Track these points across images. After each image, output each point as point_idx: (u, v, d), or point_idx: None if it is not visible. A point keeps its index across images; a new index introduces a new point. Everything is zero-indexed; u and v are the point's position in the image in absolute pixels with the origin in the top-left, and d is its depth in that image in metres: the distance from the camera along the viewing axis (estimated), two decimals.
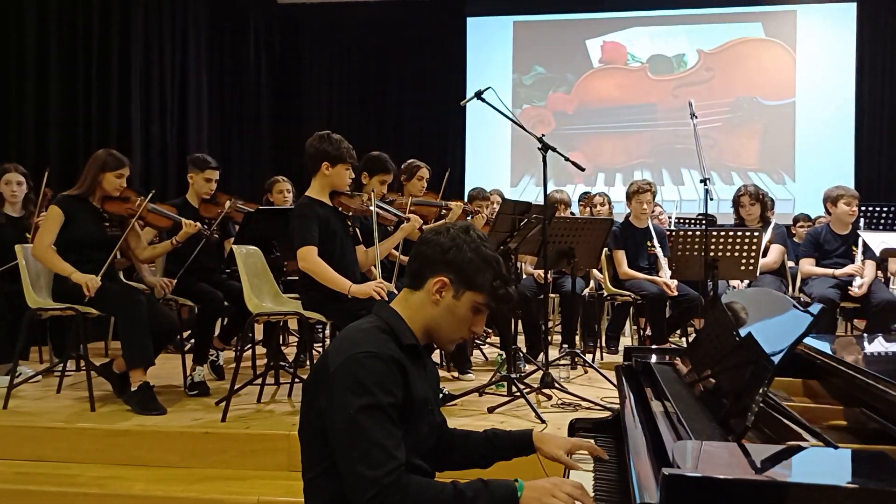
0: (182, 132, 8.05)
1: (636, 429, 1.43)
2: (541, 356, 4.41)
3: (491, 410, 3.76)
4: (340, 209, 3.79)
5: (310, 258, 3.55)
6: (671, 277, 4.97)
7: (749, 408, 1.25)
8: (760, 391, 1.26)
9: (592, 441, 1.90)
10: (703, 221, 5.33)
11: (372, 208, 3.82)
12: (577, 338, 5.50)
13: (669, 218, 7.07)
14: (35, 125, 6.28)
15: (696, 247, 4.60)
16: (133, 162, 7.09)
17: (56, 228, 3.86)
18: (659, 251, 5.22)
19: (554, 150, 4.04)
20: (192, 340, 4.75)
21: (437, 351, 5.14)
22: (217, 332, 4.76)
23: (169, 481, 3.24)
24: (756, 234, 4.57)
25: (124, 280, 4.68)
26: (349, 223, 3.88)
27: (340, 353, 1.64)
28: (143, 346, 3.76)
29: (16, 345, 4.07)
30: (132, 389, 3.76)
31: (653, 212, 6.19)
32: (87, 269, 3.83)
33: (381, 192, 4.19)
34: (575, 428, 2.22)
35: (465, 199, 5.51)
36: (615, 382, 2.25)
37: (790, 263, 5.47)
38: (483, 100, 4.22)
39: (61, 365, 4.40)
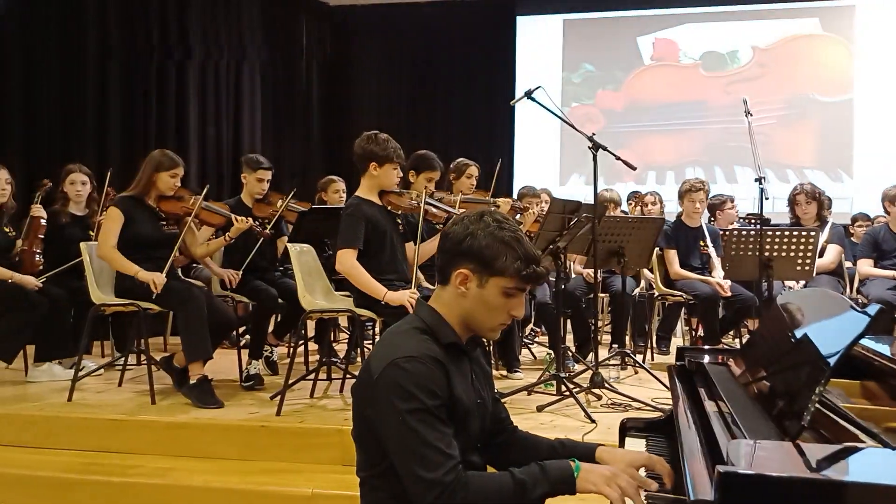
0: (236, 133, 8.23)
1: (690, 429, 1.43)
2: (590, 356, 4.41)
3: (540, 409, 3.78)
4: (389, 208, 3.84)
5: (347, 261, 3.61)
6: (724, 278, 4.91)
7: (805, 408, 1.25)
8: (816, 392, 1.25)
9: (642, 447, 1.88)
10: (758, 221, 5.24)
11: (421, 205, 3.86)
12: (628, 338, 5.47)
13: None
14: (96, 127, 6.50)
15: (751, 247, 4.53)
16: (189, 162, 7.29)
17: (117, 229, 4.00)
18: (712, 251, 5.16)
19: (605, 148, 4.02)
20: (248, 336, 4.87)
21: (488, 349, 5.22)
22: (271, 328, 4.87)
23: (227, 473, 3.32)
24: (812, 233, 4.48)
25: (183, 277, 4.83)
26: (399, 221, 3.92)
27: (381, 359, 1.65)
28: (202, 341, 3.87)
29: (80, 340, 4.22)
30: (191, 383, 3.87)
31: (723, 205, 6.12)
32: (147, 267, 3.96)
33: (430, 190, 4.23)
34: (626, 427, 2.22)
35: (515, 197, 5.51)
36: (666, 383, 2.25)
37: (847, 264, 5.35)
38: (533, 99, 4.22)
39: (123, 359, 4.57)
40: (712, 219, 6.39)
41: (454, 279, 1.71)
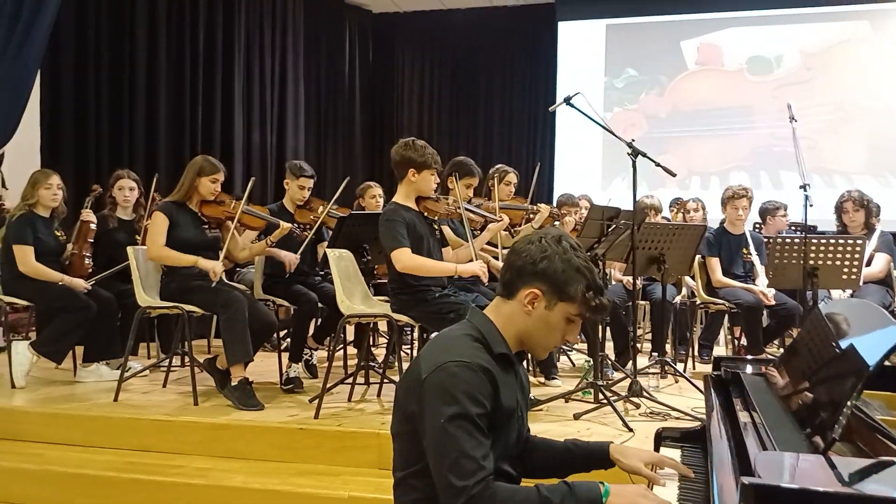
0: (281, 139, 8.37)
1: (721, 440, 1.42)
2: (629, 364, 4.37)
3: (577, 417, 3.76)
4: (426, 214, 3.87)
5: (404, 258, 3.63)
6: (768, 286, 4.82)
7: (836, 421, 1.23)
8: (848, 405, 1.23)
9: (677, 457, 1.87)
10: (802, 229, 5.13)
11: (459, 209, 3.88)
12: (669, 346, 5.40)
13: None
14: (145, 134, 6.66)
15: (795, 255, 4.45)
16: (234, 168, 7.45)
17: (164, 231, 4.10)
18: (756, 259, 5.07)
19: (644, 154, 3.99)
20: (289, 340, 4.94)
21: (525, 358, 5.21)
22: (311, 332, 4.93)
23: (266, 474, 3.38)
24: (859, 241, 4.38)
25: (226, 280, 4.92)
26: (436, 227, 3.95)
27: (432, 361, 1.67)
28: (243, 343, 3.94)
29: (126, 341, 4.33)
30: (232, 385, 3.95)
31: (775, 212, 6.01)
32: (192, 270, 4.06)
33: (468, 196, 4.24)
34: (662, 437, 2.20)
35: (554, 205, 5.50)
36: None
37: None
38: (572, 105, 4.21)
39: (167, 361, 4.67)
40: (761, 225, 6.28)
41: (522, 296, 1.73)
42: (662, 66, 9.52)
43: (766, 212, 6.29)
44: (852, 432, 1.55)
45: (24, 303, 4.59)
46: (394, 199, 3.88)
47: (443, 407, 1.60)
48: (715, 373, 2.23)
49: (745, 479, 1.00)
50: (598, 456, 1.91)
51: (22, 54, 4.94)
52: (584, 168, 9.54)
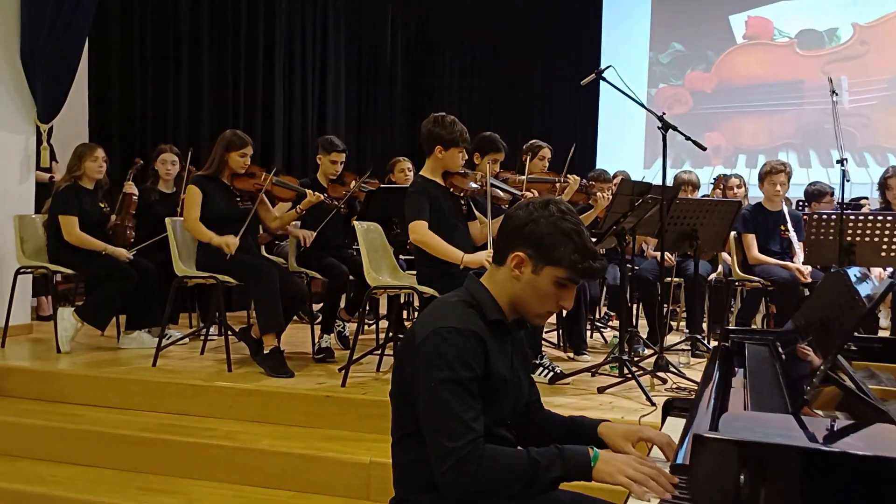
0: (321, 118, 8.46)
1: (708, 408, 1.42)
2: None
3: (601, 391, 3.77)
4: (452, 190, 3.89)
5: (420, 231, 3.67)
6: (804, 263, 4.73)
7: (810, 383, 1.23)
8: (822, 368, 1.23)
9: (659, 430, 1.87)
10: (845, 206, 5.00)
11: (486, 186, 3.89)
12: (705, 324, 5.35)
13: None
14: (189, 112, 6.81)
15: (832, 231, 4.35)
16: (275, 144, 7.57)
17: (198, 203, 4.23)
18: (793, 235, 4.97)
19: (675, 128, 3.93)
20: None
21: (555, 332, 5.21)
22: (343, 304, 5.03)
23: (292, 438, 3.48)
24: None
25: (264, 253, 5.05)
26: (462, 202, 3.97)
27: (426, 326, 1.70)
28: (275, 313, 4.05)
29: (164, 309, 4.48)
30: (264, 353, 4.06)
31: (821, 197, 5.84)
32: (225, 234, 4.20)
33: (494, 171, 4.25)
34: (672, 406, 2.21)
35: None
36: None
37: None
38: (603, 79, 4.17)
39: (205, 329, 4.82)
40: (806, 206, 6.14)
41: (509, 261, 1.75)
42: (709, 40, 9.32)
43: (812, 196, 6.14)
44: (852, 404, 1.55)
45: (69, 271, 4.78)
46: (420, 173, 3.91)
47: (434, 371, 1.63)
48: (723, 344, 2.22)
49: (695, 433, 1.01)
50: (589, 433, 1.89)
51: (71, 26, 5.10)
52: (628, 146, 9.44)
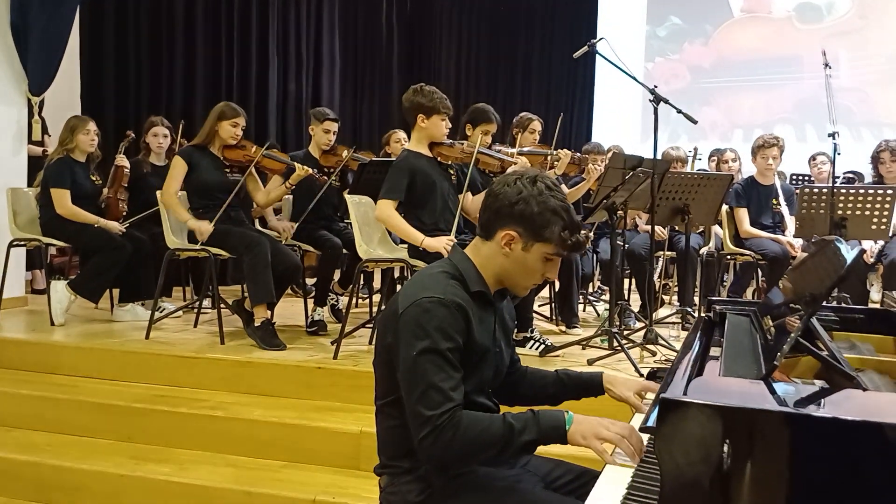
0: (316, 90, 8.40)
1: (683, 375, 1.44)
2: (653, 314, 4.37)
3: (591, 363, 3.79)
4: (440, 159, 3.89)
5: (383, 210, 3.71)
6: (794, 236, 4.74)
7: (780, 349, 1.25)
8: (792, 335, 1.25)
9: (656, 384, 1.91)
10: (838, 178, 5.02)
11: (473, 153, 3.88)
12: (697, 297, 5.37)
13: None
14: (183, 85, 6.77)
15: (823, 205, 4.36)
16: (269, 117, 7.53)
17: (180, 176, 4.25)
18: (785, 209, 4.99)
19: (666, 101, 3.94)
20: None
21: (548, 305, 5.23)
22: (337, 277, 5.04)
23: (284, 409, 3.52)
24: (889, 192, 4.27)
25: (258, 226, 5.05)
26: (451, 172, 3.97)
27: (408, 296, 1.72)
28: (266, 285, 4.06)
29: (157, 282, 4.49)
30: (255, 325, 4.08)
31: (814, 160, 5.82)
32: (213, 211, 4.19)
33: (486, 143, 4.25)
34: (656, 377, 2.23)
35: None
36: None
37: None
38: (596, 51, 4.17)
39: (199, 302, 4.84)
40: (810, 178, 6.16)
41: (499, 238, 1.76)
42: (707, 13, 9.25)
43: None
44: (829, 372, 1.57)
45: (62, 244, 4.78)
46: (407, 146, 3.91)
47: (415, 341, 1.66)
48: (706, 315, 2.24)
49: (662, 395, 1.03)
50: (590, 385, 1.97)
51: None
52: (623, 119, 9.40)
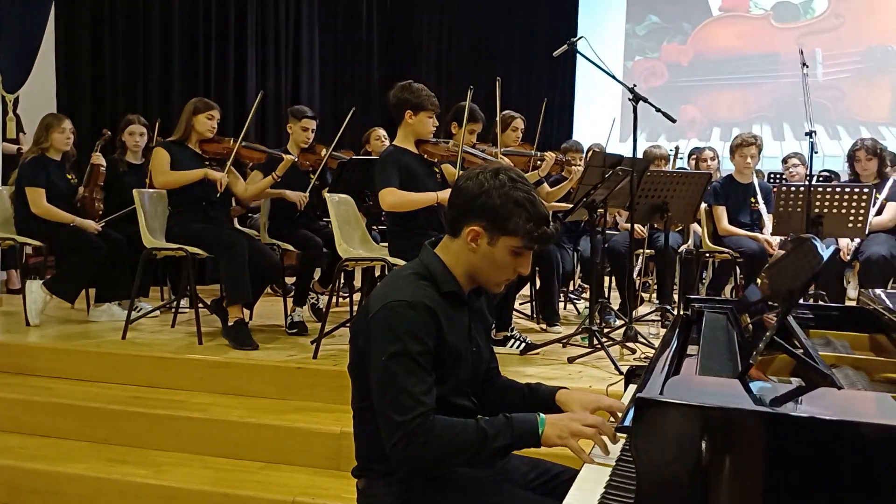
0: (296, 88, 8.35)
1: (661, 372, 1.45)
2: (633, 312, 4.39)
3: (571, 361, 3.81)
4: (426, 156, 3.88)
5: (389, 196, 3.69)
6: (772, 234, 4.78)
7: (756, 348, 1.26)
8: (768, 334, 1.25)
9: (619, 400, 1.89)
10: (816, 177, 5.07)
11: (458, 152, 3.88)
12: (676, 295, 5.40)
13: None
14: (159, 82, 6.69)
15: (800, 203, 4.40)
16: (248, 115, 7.46)
17: (167, 163, 4.23)
18: (762, 207, 5.03)
19: (645, 100, 3.96)
20: None
21: (529, 304, 5.24)
22: (317, 277, 5.01)
23: (263, 410, 3.49)
24: (866, 190, 4.31)
25: (237, 226, 5.01)
26: (436, 170, 3.96)
27: (379, 299, 1.70)
28: (242, 285, 4.03)
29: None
30: (229, 325, 4.05)
31: (787, 162, 5.89)
32: (196, 208, 4.16)
33: (471, 142, 4.24)
34: (634, 374, 2.24)
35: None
36: None
37: None
38: (576, 50, 4.17)
39: (176, 302, 4.79)
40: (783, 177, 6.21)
41: (465, 234, 1.73)
42: (686, 12, 9.31)
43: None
44: (805, 370, 1.58)
45: (37, 243, 4.72)
46: (393, 143, 3.90)
47: (385, 344, 1.64)
48: (685, 313, 2.25)
49: (638, 395, 1.03)
50: (546, 401, 1.90)
51: None
52: (603, 118, 9.41)
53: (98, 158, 4.86)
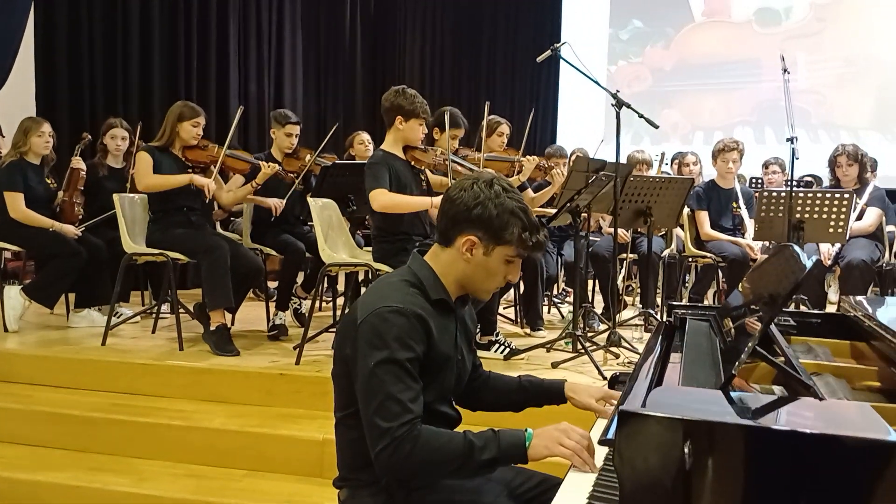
0: (278, 90, 8.31)
1: (645, 379, 1.45)
2: (616, 316, 4.39)
3: (555, 366, 3.80)
4: (413, 163, 3.87)
5: (381, 197, 3.66)
6: (753, 239, 4.81)
7: (738, 359, 1.26)
8: (750, 344, 1.25)
9: (617, 392, 1.91)
10: (796, 182, 5.10)
11: (446, 161, 3.88)
12: (659, 299, 5.42)
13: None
14: (140, 85, 6.64)
15: (782, 208, 4.43)
16: (230, 119, 7.40)
17: (151, 166, 4.16)
18: (744, 212, 5.06)
19: (628, 106, 3.97)
20: None
21: (512, 308, 5.24)
22: (300, 281, 4.99)
23: (245, 417, 3.46)
24: (846, 195, 4.35)
25: (219, 230, 4.98)
26: (423, 177, 3.95)
27: (367, 306, 1.69)
28: (224, 290, 4.00)
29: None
30: (210, 330, 4.01)
31: (767, 168, 5.94)
32: (178, 213, 4.12)
33: (453, 147, 4.24)
34: (617, 381, 2.24)
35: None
36: None
37: (889, 228, 5.16)
38: (560, 56, 4.17)
39: (157, 307, 4.75)
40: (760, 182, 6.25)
41: (460, 244, 1.74)
42: (669, 17, 9.36)
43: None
44: (788, 379, 1.58)
45: (15, 248, 4.66)
46: (381, 147, 3.89)
47: (373, 351, 1.63)
48: (668, 319, 2.25)
49: (621, 408, 1.03)
50: (552, 392, 1.96)
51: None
52: (587, 122, 9.45)
53: (78, 162, 4.81)
